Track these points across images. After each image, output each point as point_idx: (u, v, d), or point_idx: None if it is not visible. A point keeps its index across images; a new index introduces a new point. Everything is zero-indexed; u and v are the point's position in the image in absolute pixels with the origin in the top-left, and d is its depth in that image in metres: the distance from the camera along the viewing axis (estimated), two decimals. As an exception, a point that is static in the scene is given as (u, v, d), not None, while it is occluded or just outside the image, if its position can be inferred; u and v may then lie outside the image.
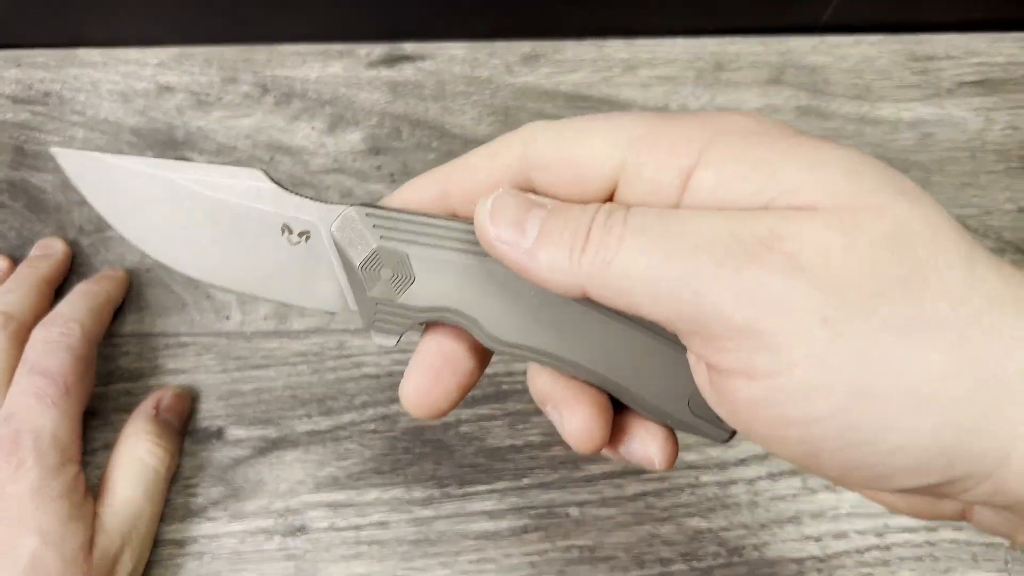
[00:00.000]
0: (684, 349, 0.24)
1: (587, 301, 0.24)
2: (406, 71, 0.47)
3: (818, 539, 0.38)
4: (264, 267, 0.27)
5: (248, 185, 0.27)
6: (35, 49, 0.47)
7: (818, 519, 0.38)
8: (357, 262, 0.26)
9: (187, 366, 0.41)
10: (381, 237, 0.25)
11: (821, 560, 0.38)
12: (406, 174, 0.45)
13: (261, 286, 0.27)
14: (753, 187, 0.20)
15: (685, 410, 0.25)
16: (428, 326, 0.26)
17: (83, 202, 0.44)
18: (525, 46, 0.48)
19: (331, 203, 0.26)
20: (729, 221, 0.20)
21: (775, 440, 0.20)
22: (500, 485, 0.39)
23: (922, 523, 0.38)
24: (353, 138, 0.45)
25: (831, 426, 0.19)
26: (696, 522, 0.38)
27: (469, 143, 0.45)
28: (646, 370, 0.25)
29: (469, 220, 0.25)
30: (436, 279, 0.25)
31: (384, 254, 0.25)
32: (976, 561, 0.38)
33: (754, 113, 0.22)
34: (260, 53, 0.47)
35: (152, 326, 0.41)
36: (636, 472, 0.39)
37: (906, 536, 0.38)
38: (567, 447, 0.40)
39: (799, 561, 0.38)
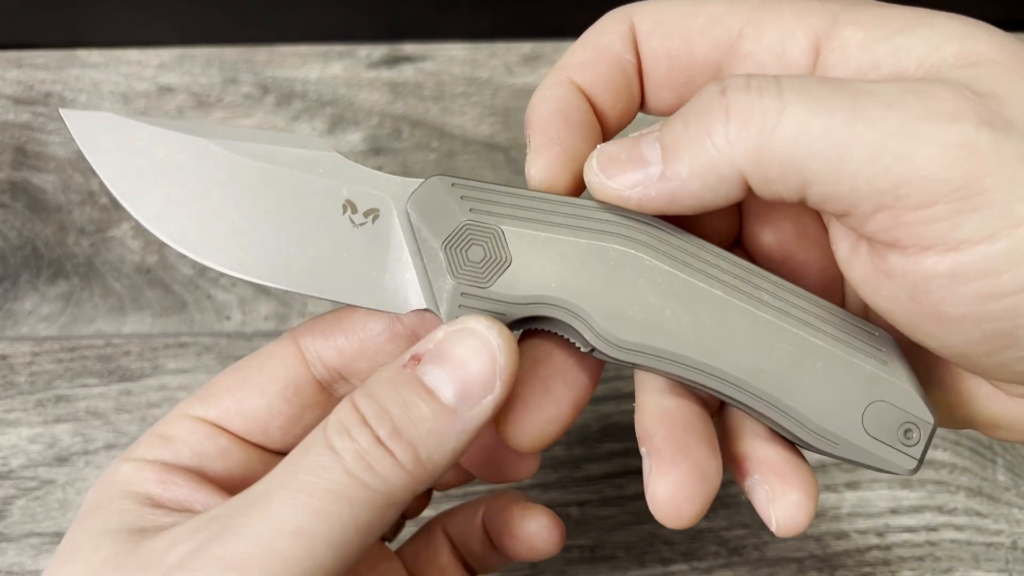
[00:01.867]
0: (853, 349, 0.20)
1: (728, 287, 0.20)
2: (406, 72, 0.47)
3: (818, 539, 0.38)
4: (317, 255, 0.21)
5: (304, 153, 0.22)
6: (36, 50, 0.47)
7: (818, 519, 0.38)
8: (440, 240, 0.21)
9: (188, 366, 0.41)
10: (471, 210, 0.21)
11: (822, 560, 0.38)
12: (406, 174, 0.44)
13: (309, 279, 0.21)
14: (913, 37, 0.18)
15: (859, 430, 0.20)
16: (522, 335, 0.22)
17: (84, 202, 0.44)
18: (525, 47, 0.48)
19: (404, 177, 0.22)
20: (908, 82, 0.17)
21: (970, 320, 0.18)
22: (500, 485, 0.39)
23: (923, 523, 0.38)
24: (353, 138, 0.46)
25: None
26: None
27: (469, 143, 0.46)
28: (808, 377, 0.20)
29: (572, 196, 0.21)
30: (537, 262, 0.20)
31: (474, 230, 0.21)
32: (977, 561, 0.38)
33: None
34: (260, 54, 0.47)
35: (152, 326, 0.41)
36: (637, 471, 0.39)
37: (907, 536, 0.38)
38: (567, 446, 0.40)
39: (799, 561, 0.38)
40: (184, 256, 0.43)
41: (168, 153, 0.22)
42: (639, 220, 0.21)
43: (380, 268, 0.22)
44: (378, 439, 0.19)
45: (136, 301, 0.42)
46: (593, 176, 0.20)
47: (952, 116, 0.17)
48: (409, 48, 0.48)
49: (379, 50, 0.48)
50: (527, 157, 0.22)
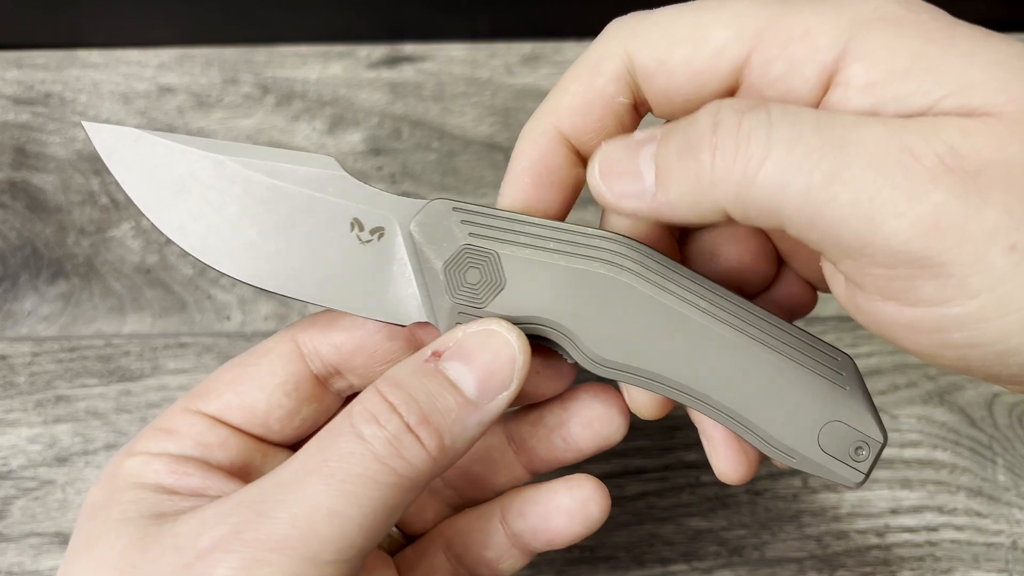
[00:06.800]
0: (815, 372, 0.22)
1: (704, 312, 0.21)
2: (406, 72, 0.47)
3: (818, 539, 0.38)
4: (326, 268, 0.23)
5: (314, 172, 0.23)
6: (36, 50, 0.47)
7: (818, 519, 0.38)
8: (440, 263, 0.22)
9: (188, 366, 0.41)
10: (470, 234, 0.22)
11: (822, 560, 0.38)
12: (406, 175, 0.45)
13: (319, 290, 0.23)
14: (915, 84, 0.18)
15: (814, 446, 0.22)
16: None
17: (84, 203, 0.44)
18: (525, 47, 0.48)
19: (409, 197, 0.24)
20: (899, 133, 0.17)
21: (925, 355, 0.19)
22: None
23: (923, 523, 0.38)
24: (353, 139, 0.46)
25: (993, 351, 0.18)
26: (696, 522, 0.38)
27: (469, 144, 0.46)
28: (772, 397, 0.22)
29: (563, 221, 0.23)
30: (530, 284, 0.22)
31: (472, 253, 0.22)
32: (977, 561, 0.38)
33: None
34: (260, 54, 0.47)
35: (152, 327, 0.41)
36: (636, 472, 0.39)
37: (907, 536, 0.38)
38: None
39: (799, 561, 0.38)
40: (185, 256, 0.43)
41: (187, 169, 0.23)
42: (625, 244, 0.23)
43: (384, 283, 0.23)
44: (407, 426, 0.21)
45: (136, 301, 0.42)
46: (592, 177, 0.21)
47: (927, 184, 0.17)
48: (409, 48, 0.48)
49: (379, 50, 0.48)
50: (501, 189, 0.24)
